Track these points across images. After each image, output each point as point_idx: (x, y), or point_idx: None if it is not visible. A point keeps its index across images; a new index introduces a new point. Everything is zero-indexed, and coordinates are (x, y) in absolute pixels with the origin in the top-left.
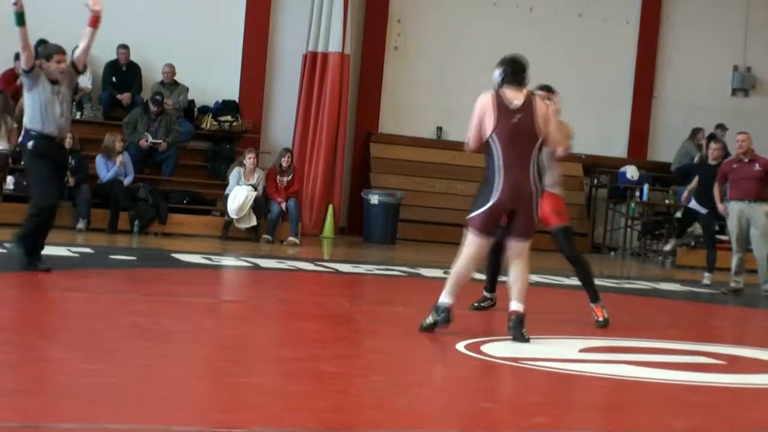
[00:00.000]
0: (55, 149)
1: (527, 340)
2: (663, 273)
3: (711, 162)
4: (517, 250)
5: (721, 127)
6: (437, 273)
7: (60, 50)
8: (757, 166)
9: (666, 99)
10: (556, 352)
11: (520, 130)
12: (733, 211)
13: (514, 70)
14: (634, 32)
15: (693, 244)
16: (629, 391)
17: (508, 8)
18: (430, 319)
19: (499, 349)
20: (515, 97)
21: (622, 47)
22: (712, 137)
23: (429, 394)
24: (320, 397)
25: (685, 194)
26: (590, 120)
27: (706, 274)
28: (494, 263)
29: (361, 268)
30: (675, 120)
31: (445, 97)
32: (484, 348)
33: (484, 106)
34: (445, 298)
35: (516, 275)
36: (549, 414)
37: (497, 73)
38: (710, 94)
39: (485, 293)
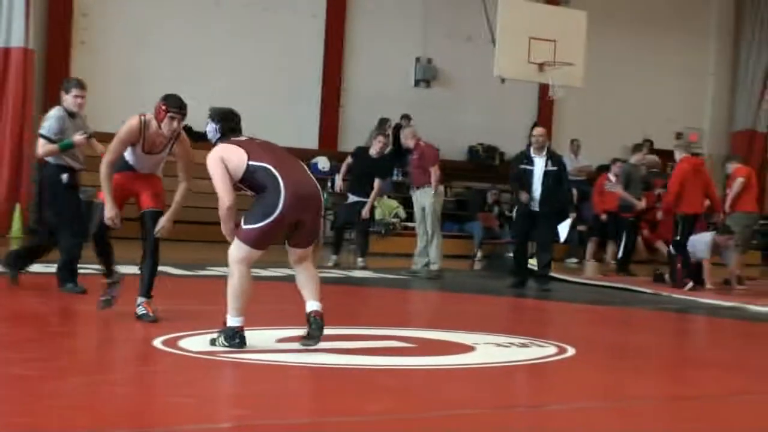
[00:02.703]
0: None
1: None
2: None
3: (372, 153)
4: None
5: (406, 117)
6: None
7: None
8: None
9: (354, 90)
10: (253, 343)
11: None
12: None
13: (232, 126)
14: (322, 25)
15: (383, 231)
16: (326, 378)
17: (194, 2)
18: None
19: (197, 343)
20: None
21: (311, 40)
22: (382, 128)
23: (127, 393)
24: (9, 402)
25: (338, 183)
26: (281, 113)
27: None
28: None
29: (52, 269)
30: (363, 111)
31: (136, 91)
32: (181, 343)
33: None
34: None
35: (308, 275)
36: (248, 405)
37: (212, 128)
38: (395, 86)
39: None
